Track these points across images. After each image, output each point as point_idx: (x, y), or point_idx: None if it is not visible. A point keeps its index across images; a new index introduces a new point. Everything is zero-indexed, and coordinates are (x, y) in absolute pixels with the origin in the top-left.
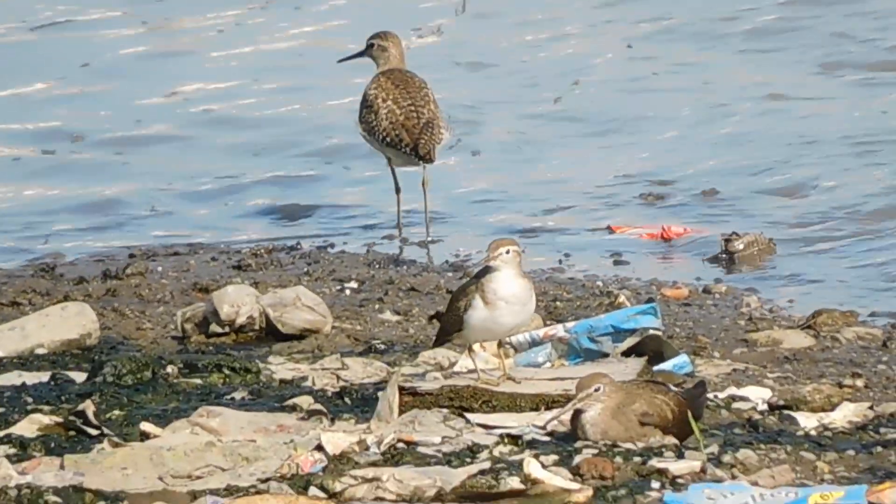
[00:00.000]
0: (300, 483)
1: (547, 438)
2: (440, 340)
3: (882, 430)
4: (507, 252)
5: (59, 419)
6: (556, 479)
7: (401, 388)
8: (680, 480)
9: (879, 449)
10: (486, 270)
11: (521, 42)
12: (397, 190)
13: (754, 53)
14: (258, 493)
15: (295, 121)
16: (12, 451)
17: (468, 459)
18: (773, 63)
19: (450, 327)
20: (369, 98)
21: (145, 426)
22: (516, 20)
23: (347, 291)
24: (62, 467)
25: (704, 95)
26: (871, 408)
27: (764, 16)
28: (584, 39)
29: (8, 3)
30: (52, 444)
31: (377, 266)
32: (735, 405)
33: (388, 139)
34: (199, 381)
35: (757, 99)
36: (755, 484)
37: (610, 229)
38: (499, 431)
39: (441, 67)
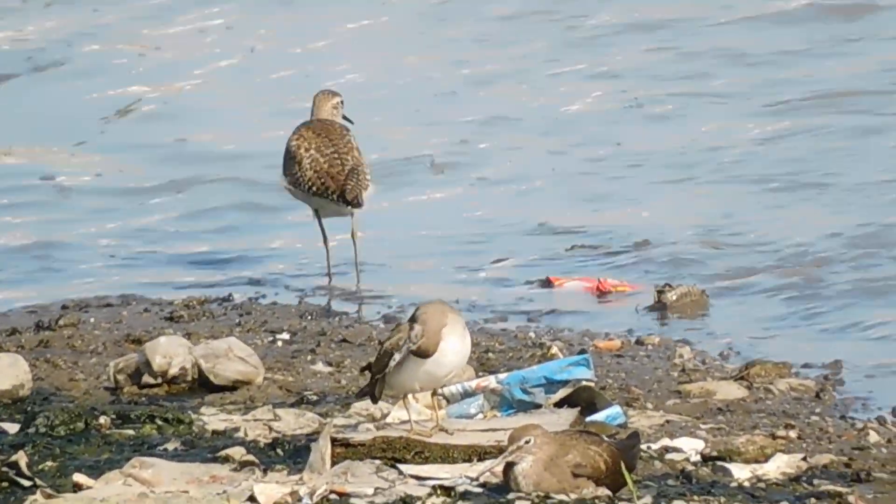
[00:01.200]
0: None
1: (480, 490)
2: (375, 391)
3: (815, 481)
4: None
5: None
6: None
7: (333, 439)
8: None
9: (813, 500)
10: (414, 319)
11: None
12: (325, 241)
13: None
14: None
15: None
16: None
17: None
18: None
19: (377, 377)
20: (292, 149)
21: (78, 477)
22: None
23: (279, 343)
24: None
25: (638, 145)
26: (804, 459)
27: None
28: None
29: None
30: None
31: (309, 317)
32: (668, 456)
33: (313, 188)
34: (131, 431)
35: (693, 147)
36: None
37: (548, 281)
38: (431, 483)
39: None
